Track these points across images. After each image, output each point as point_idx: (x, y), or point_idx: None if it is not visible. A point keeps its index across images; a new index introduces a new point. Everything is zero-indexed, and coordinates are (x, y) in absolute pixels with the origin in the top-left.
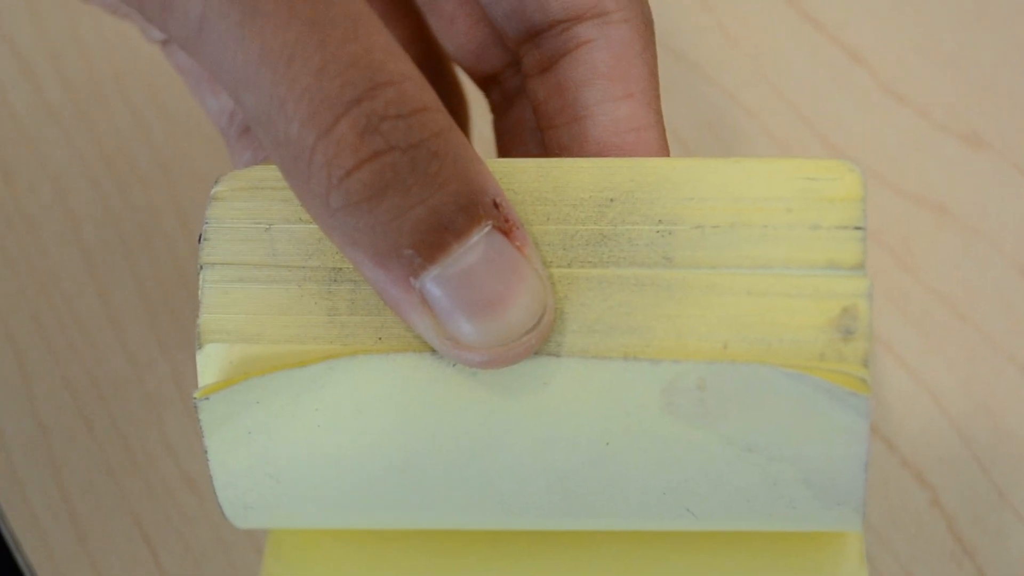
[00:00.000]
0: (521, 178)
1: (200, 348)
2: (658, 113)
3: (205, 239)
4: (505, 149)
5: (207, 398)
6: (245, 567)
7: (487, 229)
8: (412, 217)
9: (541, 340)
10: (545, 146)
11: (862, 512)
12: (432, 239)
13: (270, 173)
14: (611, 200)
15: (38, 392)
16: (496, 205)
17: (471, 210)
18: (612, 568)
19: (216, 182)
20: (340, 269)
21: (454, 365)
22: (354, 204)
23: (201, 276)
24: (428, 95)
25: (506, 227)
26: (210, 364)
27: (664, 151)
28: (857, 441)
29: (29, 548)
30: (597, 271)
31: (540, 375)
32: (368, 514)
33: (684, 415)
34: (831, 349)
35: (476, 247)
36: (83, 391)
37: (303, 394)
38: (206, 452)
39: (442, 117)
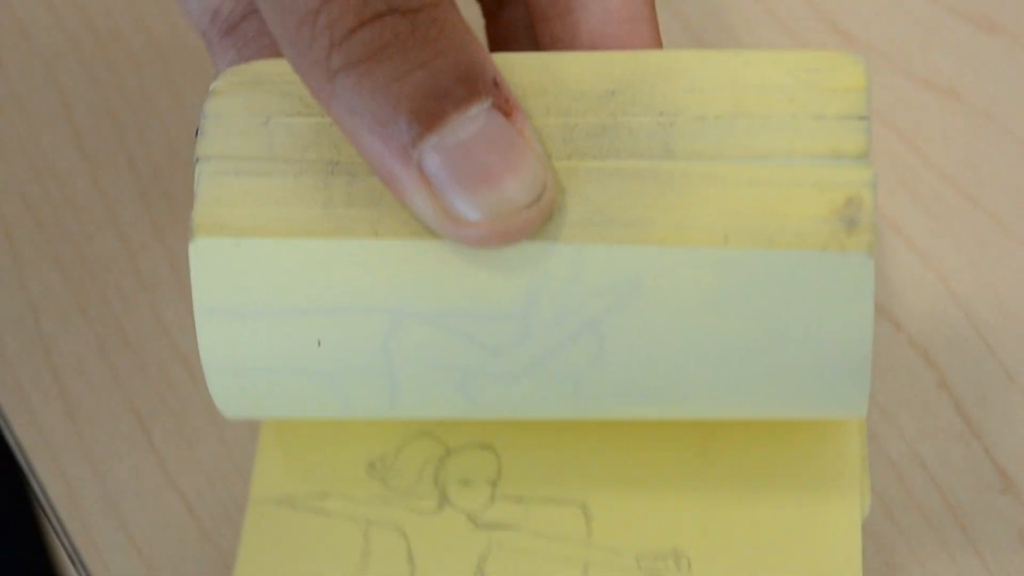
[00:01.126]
0: (521, 71)
1: (193, 240)
2: (651, 6)
3: (202, 133)
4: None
5: (201, 251)
6: (238, 445)
7: (487, 105)
8: (411, 81)
9: (541, 217)
10: (538, 41)
11: (866, 391)
12: (431, 107)
13: (270, 68)
14: (612, 92)
15: (28, 273)
16: (496, 84)
17: (470, 82)
18: (609, 457)
19: (215, 77)
20: (337, 162)
21: (452, 250)
22: (354, 64)
23: (197, 169)
24: None
25: (506, 108)
26: (202, 256)
27: (657, 43)
28: (861, 318)
29: (19, 427)
30: (597, 163)
31: (537, 260)
32: (361, 403)
33: (684, 299)
34: (834, 240)
35: (475, 120)
36: (74, 272)
37: (298, 276)
38: (198, 333)
39: None
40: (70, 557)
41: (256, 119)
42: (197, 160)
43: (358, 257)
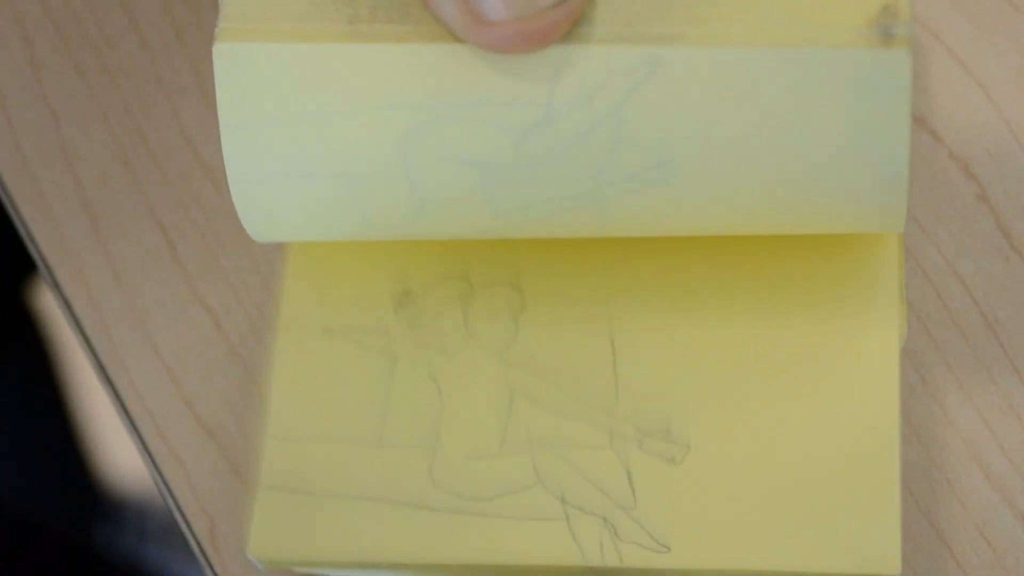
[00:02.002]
0: None
1: (216, 44)
2: None
3: None
4: None
5: (226, 56)
6: (264, 258)
7: None
8: None
9: (568, 18)
10: None
11: (905, 198)
12: None
13: None
14: None
15: (48, 79)
16: None
17: None
18: (635, 286)
19: None
20: None
21: (478, 55)
22: None
23: None
24: None
25: None
26: (227, 61)
27: None
28: (899, 121)
29: (42, 239)
30: None
31: (562, 63)
32: (383, 211)
33: (709, 91)
34: (870, 42)
35: None
36: (95, 78)
37: (322, 80)
38: (222, 140)
39: None
40: (96, 372)
41: None
42: None
43: (381, 61)
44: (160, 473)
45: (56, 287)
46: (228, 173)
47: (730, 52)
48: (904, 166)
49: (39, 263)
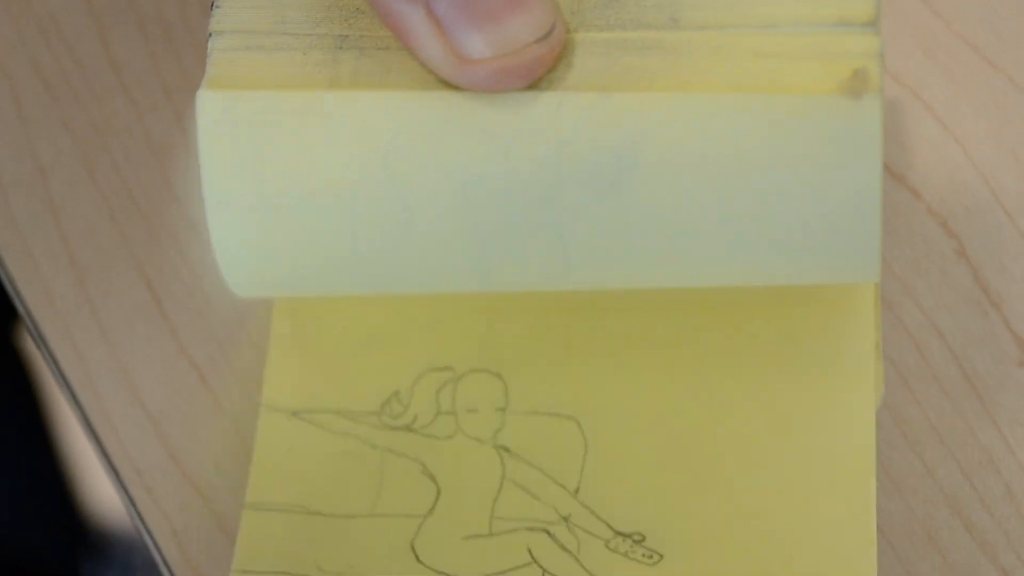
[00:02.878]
0: None
1: (200, 92)
2: None
3: (217, 7)
4: None
5: (209, 103)
6: (251, 314)
7: None
8: None
9: (551, 54)
10: None
11: (877, 246)
12: None
13: None
14: None
15: (37, 136)
16: None
17: None
18: (616, 332)
19: None
20: (346, 36)
21: (462, 100)
22: None
23: (210, 44)
24: None
25: None
26: (209, 108)
27: None
28: (870, 168)
29: (28, 294)
30: (604, 35)
31: (547, 110)
32: (368, 266)
33: (694, 149)
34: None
35: None
36: (83, 135)
37: (308, 122)
38: (202, 187)
39: None
40: (82, 428)
41: None
42: (211, 35)
43: (364, 108)
44: (147, 528)
45: (42, 342)
46: (209, 224)
47: (699, 99)
48: (876, 213)
49: (25, 318)
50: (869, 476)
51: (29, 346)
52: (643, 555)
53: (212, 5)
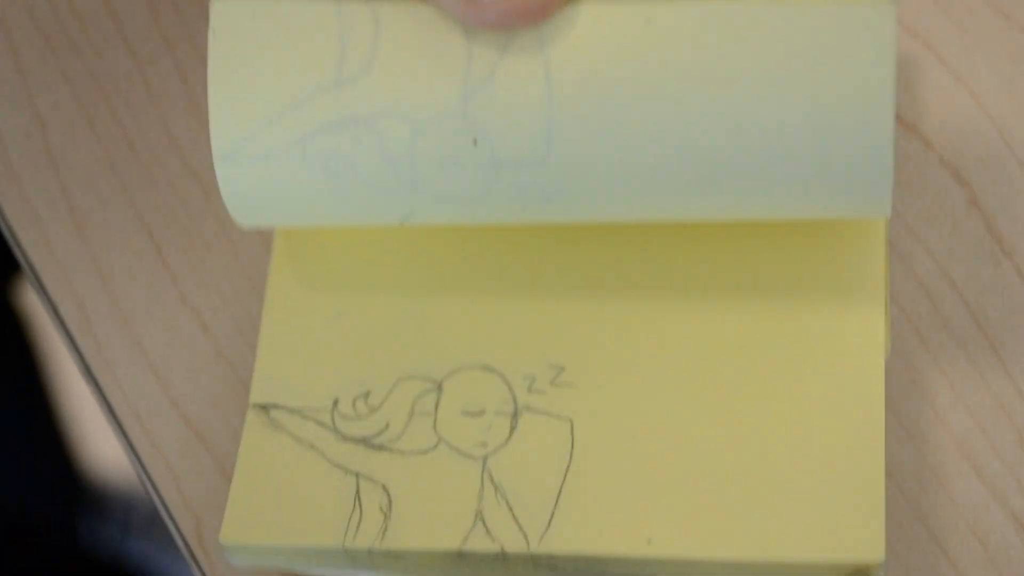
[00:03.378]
0: None
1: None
2: None
3: None
4: None
5: (223, 11)
6: (252, 262)
7: None
8: None
9: None
10: None
11: (890, 172)
12: None
13: None
14: None
15: (36, 88)
16: None
17: None
18: (631, 266)
19: None
20: None
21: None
22: None
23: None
24: None
25: None
26: (223, 15)
27: None
28: (882, 84)
29: (28, 243)
30: None
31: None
32: (369, 186)
33: (702, 59)
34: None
35: None
36: (82, 86)
37: (310, 34)
38: (209, 100)
39: None
40: (83, 374)
41: None
42: None
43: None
44: (147, 473)
45: (42, 290)
46: (212, 136)
47: (713, 5)
48: (888, 128)
49: (25, 267)
50: (878, 419)
51: (29, 300)
52: None
53: None
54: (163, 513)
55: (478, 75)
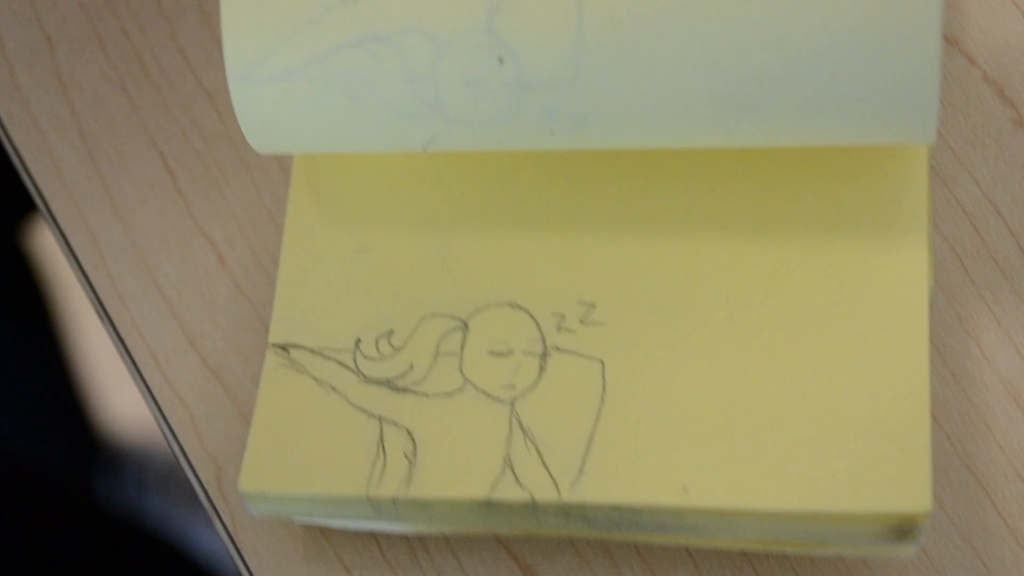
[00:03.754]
0: None
1: None
2: None
3: None
4: None
5: None
6: (270, 189)
7: None
8: None
9: None
10: None
11: (936, 93)
12: None
13: None
14: None
15: (42, 2)
16: None
17: None
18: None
19: None
20: None
21: None
22: None
23: None
24: None
25: None
26: None
27: None
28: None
29: (37, 170)
30: None
31: None
32: (385, 109)
33: None
34: None
35: None
36: (91, 1)
37: None
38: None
39: None
40: (95, 309)
41: None
42: None
43: None
44: (163, 415)
45: (53, 220)
46: (226, 57)
47: None
48: (935, 50)
49: (35, 195)
50: (922, 360)
51: (42, 243)
52: None
53: None
54: (181, 460)
55: None
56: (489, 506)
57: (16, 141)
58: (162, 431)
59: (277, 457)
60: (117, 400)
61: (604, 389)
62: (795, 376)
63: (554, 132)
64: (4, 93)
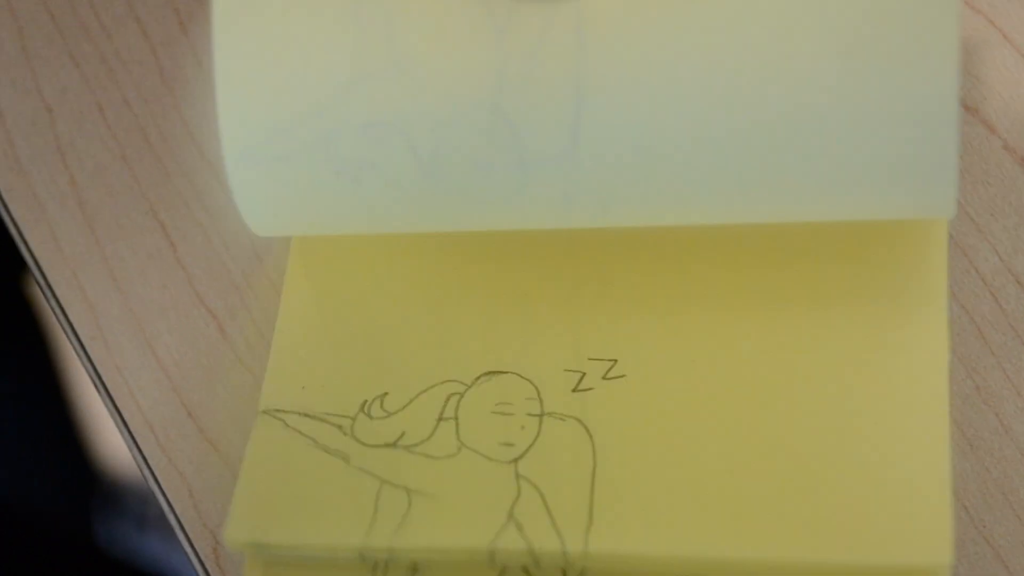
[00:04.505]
0: None
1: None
2: None
3: None
4: None
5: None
6: (273, 260)
7: None
8: None
9: None
10: None
11: (955, 160)
12: None
13: None
14: None
15: (42, 71)
16: None
17: None
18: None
19: None
20: None
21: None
22: None
23: None
24: None
25: None
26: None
27: None
28: (945, 58)
29: (35, 240)
30: None
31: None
32: (387, 189)
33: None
34: None
35: None
36: (92, 70)
37: (320, 39)
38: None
39: None
40: (92, 380)
41: None
42: None
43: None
44: (161, 489)
45: (50, 291)
46: (223, 143)
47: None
48: (952, 122)
49: (32, 266)
50: (942, 420)
51: (38, 295)
52: None
53: None
54: (178, 532)
55: (512, 68)
56: (491, 557)
57: (14, 212)
58: (159, 502)
59: (265, 508)
60: (117, 439)
61: (601, 450)
62: (816, 439)
63: (555, 207)
64: (3, 163)
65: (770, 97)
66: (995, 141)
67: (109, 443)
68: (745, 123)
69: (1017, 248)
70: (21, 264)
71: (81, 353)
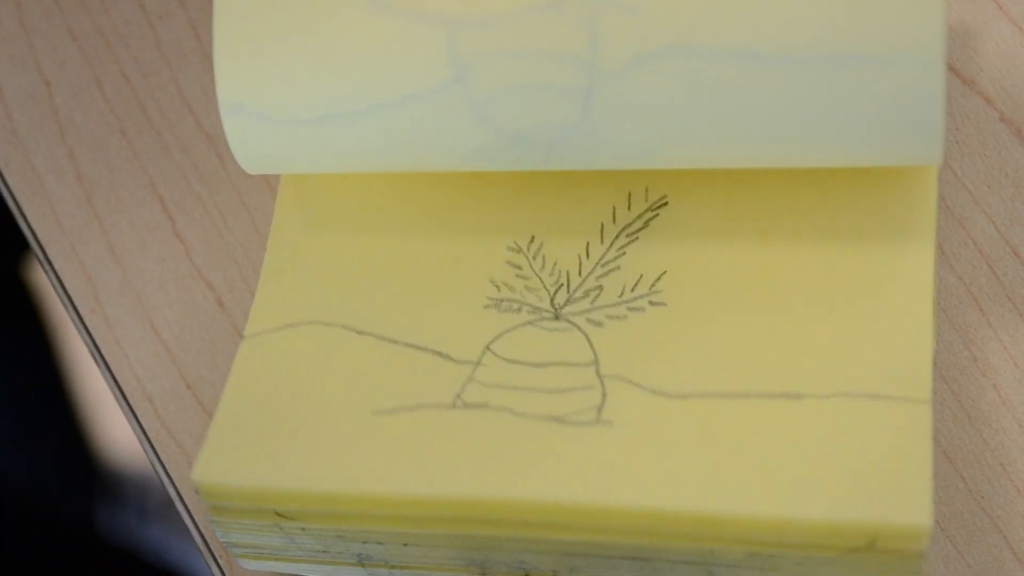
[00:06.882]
0: None
1: None
2: None
3: None
4: None
5: None
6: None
7: None
8: None
9: None
10: None
11: (941, 106)
12: None
13: None
14: None
15: (40, 45)
16: None
17: None
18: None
19: None
20: None
21: None
22: None
23: None
24: None
25: None
26: None
27: None
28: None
29: (34, 215)
30: None
31: None
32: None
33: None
34: None
35: None
36: (90, 44)
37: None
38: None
39: None
40: (91, 353)
41: None
42: None
43: None
44: (161, 462)
45: (49, 265)
46: (217, 77)
47: None
48: (938, 69)
49: (31, 240)
50: (925, 373)
51: (36, 273)
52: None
53: None
54: (178, 504)
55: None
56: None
57: (13, 186)
58: (157, 475)
59: (240, 447)
60: (118, 429)
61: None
62: (794, 382)
63: (551, 159)
64: (1, 139)
65: (761, 53)
66: (992, 113)
67: (110, 433)
68: (748, 73)
69: (1014, 219)
70: (19, 246)
71: (80, 326)
